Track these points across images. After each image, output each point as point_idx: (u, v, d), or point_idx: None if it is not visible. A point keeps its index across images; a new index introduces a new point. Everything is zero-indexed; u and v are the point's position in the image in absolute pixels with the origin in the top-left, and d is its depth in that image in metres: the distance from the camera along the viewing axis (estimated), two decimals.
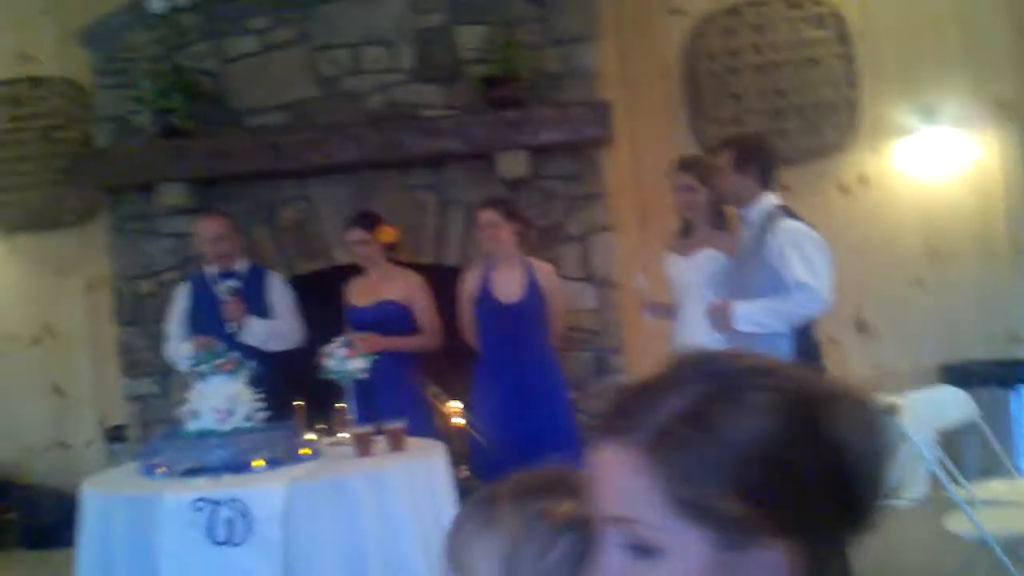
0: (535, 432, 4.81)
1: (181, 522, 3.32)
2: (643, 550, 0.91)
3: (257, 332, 5.08)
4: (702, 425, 0.90)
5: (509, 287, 4.93)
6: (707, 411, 0.91)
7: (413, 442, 4.08)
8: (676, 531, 0.90)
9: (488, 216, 4.91)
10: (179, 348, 5.05)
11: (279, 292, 5.32)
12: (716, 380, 0.94)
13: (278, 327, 5.18)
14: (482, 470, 4.95)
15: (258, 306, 5.18)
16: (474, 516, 1.22)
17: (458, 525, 1.24)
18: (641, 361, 6.35)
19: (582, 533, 1.04)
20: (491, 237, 4.91)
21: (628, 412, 0.95)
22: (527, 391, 4.86)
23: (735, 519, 0.88)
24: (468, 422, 5.19)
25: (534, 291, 4.93)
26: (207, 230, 5.25)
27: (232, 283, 5.15)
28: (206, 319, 5.13)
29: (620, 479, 0.93)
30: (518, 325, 4.91)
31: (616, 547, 0.94)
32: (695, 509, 0.89)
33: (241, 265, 5.34)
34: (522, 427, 4.80)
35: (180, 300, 5.37)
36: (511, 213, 4.95)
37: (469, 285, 5.07)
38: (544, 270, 5.05)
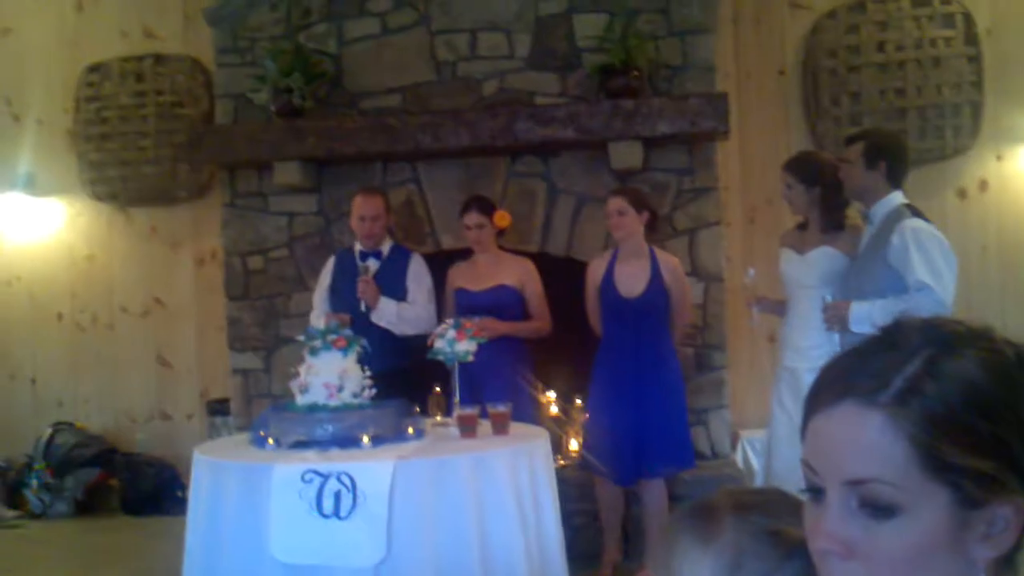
0: (647, 425, 4.79)
1: (290, 493, 3.36)
2: (880, 509, 0.93)
3: (388, 314, 5.09)
4: (943, 384, 0.93)
5: (632, 280, 4.89)
6: (945, 371, 0.94)
7: (517, 427, 4.09)
8: (919, 489, 0.92)
9: (617, 203, 4.87)
10: (319, 322, 5.11)
11: (416, 277, 5.27)
12: (942, 343, 0.96)
13: (408, 311, 5.15)
14: (595, 456, 4.93)
15: (396, 288, 5.16)
16: (692, 528, 1.20)
17: (671, 534, 1.22)
18: (743, 358, 6.30)
19: (811, 561, 1.03)
20: (618, 225, 4.87)
21: (865, 374, 0.97)
22: (643, 384, 4.83)
23: (981, 475, 0.91)
24: (584, 407, 5.20)
25: (657, 286, 4.88)
26: (363, 208, 5.19)
27: (371, 263, 5.16)
28: (345, 295, 5.17)
29: (862, 439, 0.94)
30: (637, 319, 4.87)
31: (847, 509, 0.95)
32: (942, 466, 0.91)
33: (386, 246, 5.33)
34: (634, 419, 4.79)
35: (325, 273, 5.39)
36: (641, 203, 4.90)
37: (594, 274, 5.05)
38: (670, 264, 4.98)
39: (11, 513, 6.79)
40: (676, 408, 4.91)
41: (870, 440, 0.93)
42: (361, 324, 4.70)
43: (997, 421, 0.92)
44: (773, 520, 1.16)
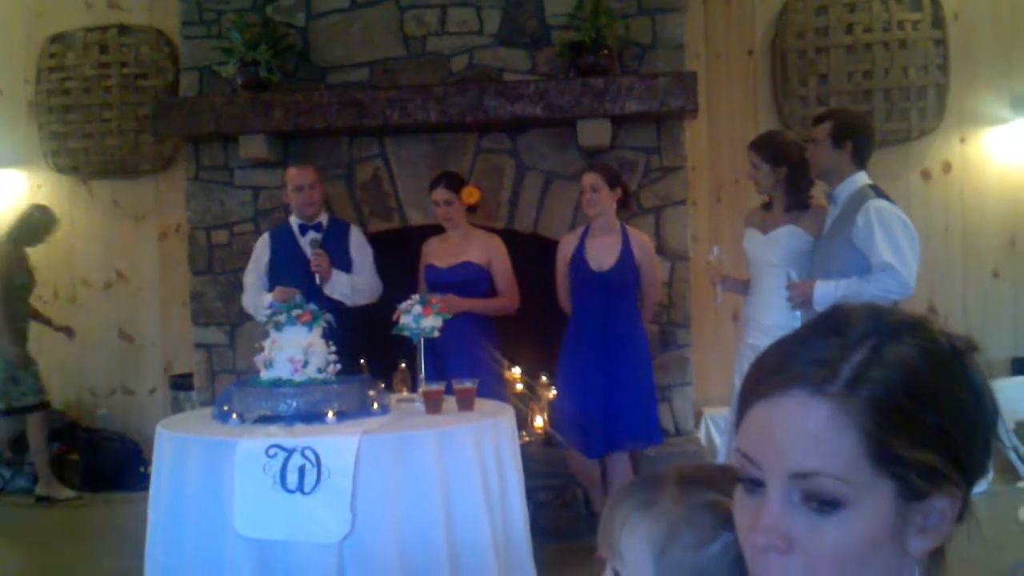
0: (614, 399, 4.81)
1: (254, 467, 3.34)
2: (825, 503, 0.91)
3: (341, 285, 5.08)
4: (890, 372, 0.91)
5: (602, 255, 4.91)
6: (890, 359, 0.92)
7: (483, 403, 4.09)
8: (865, 482, 0.90)
9: (591, 179, 4.87)
10: (259, 298, 5.08)
11: (360, 247, 5.30)
12: (886, 330, 0.94)
13: (359, 282, 5.17)
14: (562, 431, 4.95)
15: (340, 260, 5.16)
16: (634, 496, 1.20)
17: (616, 502, 1.22)
18: (707, 336, 6.34)
19: None
20: (591, 201, 4.87)
21: (811, 362, 0.94)
22: (611, 358, 4.86)
23: (926, 467, 0.90)
24: (552, 382, 5.21)
25: (627, 261, 4.90)
26: (299, 178, 5.18)
27: (315, 235, 5.14)
28: (288, 271, 5.13)
29: (810, 429, 0.91)
30: (607, 293, 4.89)
31: (789, 503, 0.93)
32: (889, 458, 0.90)
33: (324, 218, 5.32)
34: (602, 393, 4.81)
35: (260, 252, 5.34)
36: (614, 180, 4.91)
37: (565, 249, 5.05)
38: (641, 241, 5.01)
39: None
40: (643, 383, 4.94)
41: (818, 431, 0.91)
42: (310, 299, 4.67)
43: (940, 411, 0.91)
44: (715, 493, 1.15)
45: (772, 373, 0.96)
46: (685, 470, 1.22)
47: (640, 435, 4.90)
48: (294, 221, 5.30)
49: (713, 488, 1.16)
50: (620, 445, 4.89)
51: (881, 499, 0.90)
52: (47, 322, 6.84)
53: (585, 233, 5.00)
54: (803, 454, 0.91)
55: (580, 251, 4.95)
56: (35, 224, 6.67)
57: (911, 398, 0.90)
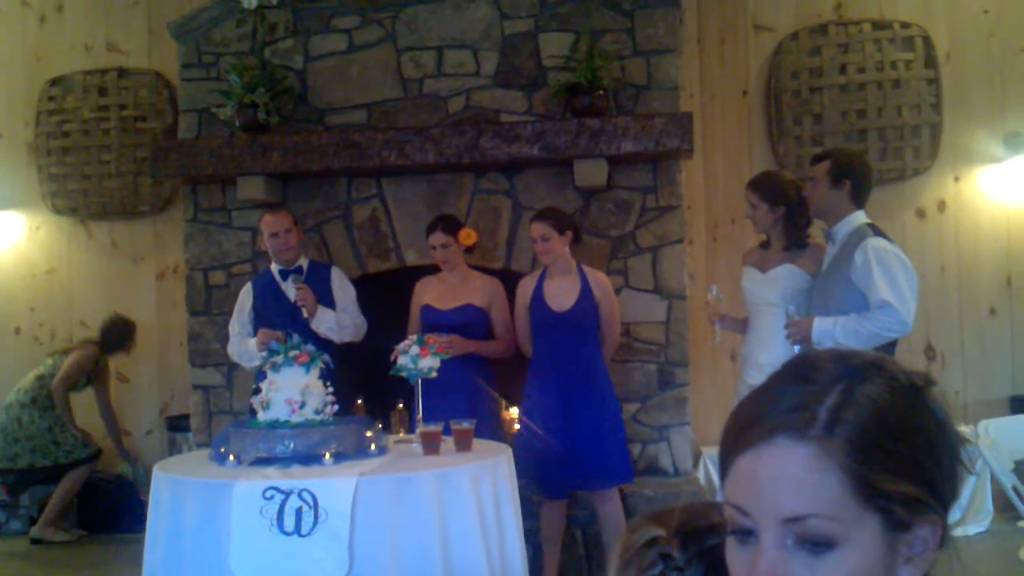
0: (580, 440, 4.79)
1: (251, 510, 3.34)
2: (818, 544, 0.94)
3: (328, 321, 5.09)
4: (864, 412, 0.95)
5: (562, 295, 4.93)
6: (862, 399, 0.96)
7: (480, 444, 4.08)
8: (854, 519, 0.93)
9: (540, 230, 4.90)
10: (244, 345, 5.08)
11: (342, 286, 5.33)
12: (854, 372, 0.99)
13: (344, 318, 5.18)
14: (528, 474, 4.92)
15: (323, 299, 5.18)
16: (626, 532, 1.23)
17: (623, 533, 1.26)
18: (706, 376, 6.33)
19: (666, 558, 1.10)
20: (544, 251, 4.91)
21: (789, 409, 0.98)
22: (575, 400, 4.85)
23: (908, 498, 0.94)
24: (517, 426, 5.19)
25: (587, 300, 4.93)
26: (274, 224, 5.21)
27: (297, 274, 5.17)
28: (272, 316, 5.14)
29: (797, 474, 0.95)
30: (568, 334, 4.90)
31: (783, 547, 0.95)
32: (873, 493, 0.93)
33: (304, 261, 5.34)
34: (568, 435, 4.80)
35: (244, 300, 5.35)
36: (562, 224, 4.93)
37: (524, 293, 5.08)
38: (599, 280, 5.04)
39: None
40: (609, 422, 4.92)
41: (804, 474, 0.94)
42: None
43: (912, 443, 0.96)
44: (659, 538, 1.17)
45: (751, 424, 0.99)
46: (659, 511, 1.23)
47: (606, 474, 4.86)
48: (275, 268, 5.32)
49: (660, 525, 1.18)
50: (583, 485, 4.87)
51: (870, 534, 0.94)
52: (117, 439, 6.95)
53: (542, 276, 5.03)
54: (793, 499, 0.95)
55: (539, 293, 4.98)
56: (121, 333, 6.85)
57: (885, 434, 0.95)
